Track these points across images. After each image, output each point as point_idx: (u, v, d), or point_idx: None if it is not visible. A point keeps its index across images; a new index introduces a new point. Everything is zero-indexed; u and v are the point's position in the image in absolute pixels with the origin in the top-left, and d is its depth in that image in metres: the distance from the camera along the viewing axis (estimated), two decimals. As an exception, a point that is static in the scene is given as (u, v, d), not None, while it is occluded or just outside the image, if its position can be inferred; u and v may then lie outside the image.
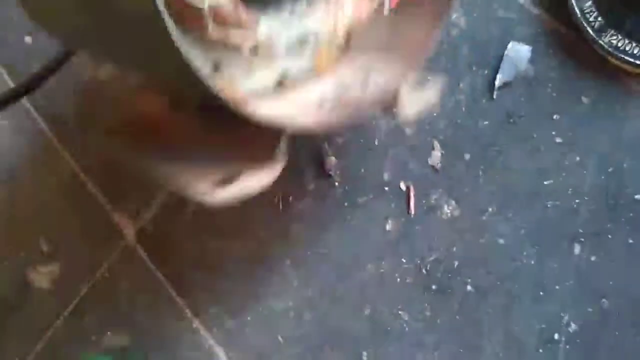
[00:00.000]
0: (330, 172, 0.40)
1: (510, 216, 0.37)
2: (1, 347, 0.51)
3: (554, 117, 0.37)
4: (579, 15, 0.35)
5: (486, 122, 0.38)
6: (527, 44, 0.38)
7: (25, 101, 0.52)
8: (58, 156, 0.52)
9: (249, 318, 0.43)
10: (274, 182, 0.43)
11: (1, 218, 0.53)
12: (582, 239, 0.36)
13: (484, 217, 0.38)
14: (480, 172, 0.38)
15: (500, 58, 0.38)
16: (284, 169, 0.42)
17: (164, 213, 0.48)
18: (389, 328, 0.39)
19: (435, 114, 0.40)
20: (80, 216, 0.50)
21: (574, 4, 0.35)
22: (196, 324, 0.44)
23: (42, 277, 0.51)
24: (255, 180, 0.28)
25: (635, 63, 0.34)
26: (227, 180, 0.28)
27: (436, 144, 0.39)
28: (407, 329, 0.39)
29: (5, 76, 0.53)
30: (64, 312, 0.50)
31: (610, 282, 0.35)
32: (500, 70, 0.38)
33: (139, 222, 0.48)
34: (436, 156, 0.39)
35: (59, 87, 0.52)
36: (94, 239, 0.50)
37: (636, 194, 0.35)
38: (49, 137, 0.52)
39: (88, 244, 0.50)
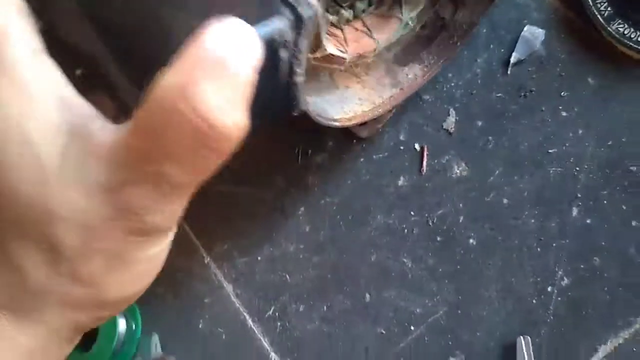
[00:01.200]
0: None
1: (515, 179, 0.44)
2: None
3: (562, 94, 0.44)
4: (591, 4, 0.44)
5: (499, 94, 0.46)
6: (541, 28, 0.45)
7: None
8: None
9: (259, 258, 0.49)
10: (295, 136, 0.50)
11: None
12: (580, 203, 0.42)
13: (490, 179, 0.45)
14: (490, 138, 0.45)
15: (516, 39, 0.46)
16: (306, 125, 0.50)
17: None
18: (393, 273, 0.45)
19: (453, 84, 0.47)
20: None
21: None
22: (207, 259, 0.50)
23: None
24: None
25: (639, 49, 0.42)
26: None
27: (451, 111, 0.46)
28: (410, 275, 0.45)
29: None
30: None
31: (603, 243, 0.41)
32: (516, 49, 0.46)
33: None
34: (450, 121, 0.46)
35: None
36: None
37: (631, 165, 0.42)
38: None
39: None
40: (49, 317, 0.23)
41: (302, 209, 0.51)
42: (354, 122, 0.42)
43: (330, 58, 0.37)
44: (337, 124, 0.40)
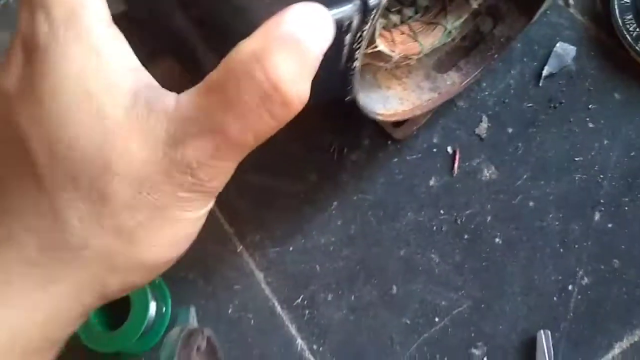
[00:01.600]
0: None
1: (542, 184, 0.48)
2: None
3: (589, 106, 0.49)
4: (620, 25, 0.49)
5: (530, 105, 0.50)
6: (573, 45, 0.50)
7: None
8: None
9: (290, 248, 0.53)
10: (331, 133, 0.55)
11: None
12: (602, 209, 0.47)
13: (518, 183, 0.49)
14: (520, 145, 0.50)
15: (548, 54, 0.51)
16: (343, 123, 0.54)
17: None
18: (420, 268, 0.49)
19: (487, 93, 0.51)
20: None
21: (617, 16, 0.48)
22: (240, 248, 0.54)
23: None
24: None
25: (664, 69, 0.47)
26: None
27: (484, 117, 0.51)
28: (436, 270, 0.49)
29: None
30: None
31: (622, 247, 0.46)
32: (548, 63, 0.51)
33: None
34: (483, 127, 0.51)
35: None
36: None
37: None
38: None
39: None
40: (81, 275, 0.24)
41: (335, 203, 0.55)
42: (394, 118, 0.47)
43: (378, 55, 0.42)
44: (380, 117, 0.44)
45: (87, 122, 0.23)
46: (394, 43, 0.45)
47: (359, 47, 0.33)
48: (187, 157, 0.23)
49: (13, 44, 0.25)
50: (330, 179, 0.57)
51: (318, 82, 0.30)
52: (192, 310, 0.47)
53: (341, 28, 0.31)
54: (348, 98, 0.37)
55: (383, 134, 0.56)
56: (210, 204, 0.28)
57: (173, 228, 0.26)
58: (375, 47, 0.41)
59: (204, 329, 0.44)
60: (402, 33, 0.46)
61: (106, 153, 0.23)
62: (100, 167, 0.23)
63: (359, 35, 0.32)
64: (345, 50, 0.32)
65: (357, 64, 0.34)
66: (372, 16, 0.30)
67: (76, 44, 0.23)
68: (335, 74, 0.34)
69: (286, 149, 0.59)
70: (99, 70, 0.23)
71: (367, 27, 0.31)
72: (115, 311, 0.58)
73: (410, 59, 0.46)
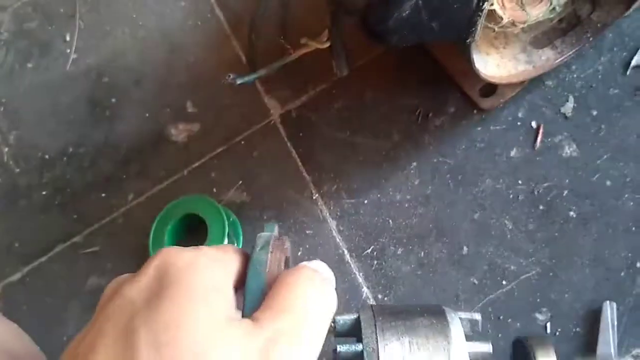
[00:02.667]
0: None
1: (620, 165, 0.55)
2: (122, 184, 0.65)
3: None
4: None
5: (616, 91, 0.57)
6: (664, 40, 0.57)
7: None
8: (226, 41, 0.69)
9: (365, 201, 0.59)
10: (419, 98, 0.62)
11: (157, 79, 0.70)
12: None
13: (598, 162, 0.56)
14: (603, 127, 0.56)
15: (638, 46, 0.58)
16: (431, 89, 0.61)
17: (310, 104, 0.66)
18: (492, 232, 0.56)
19: (575, 76, 0.58)
20: (231, 92, 0.66)
21: None
22: (316, 196, 0.61)
23: (180, 132, 0.67)
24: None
25: None
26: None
27: (571, 98, 0.58)
28: (508, 235, 0.55)
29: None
30: (193, 165, 0.65)
31: None
32: (638, 54, 0.57)
33: (286, 106, 0.65)
34: (568, 107, 0.57)
35: None
36: (239, 111, 0.67)
37: None
38: (221, 23, 0.70)
39: (232, 115, 0.67)
40: None
41: (415, 163, 0.62)
42: (492, 80, 0.53)
43: (491, 15, 0.49)
44: (481, 74, 0.51)
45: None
46: (505, 8, 0.51)
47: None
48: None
49: (148, 265, 0.31)
50: (412, 140, 0.64)
51: (452, 17, 0.38)
52: (276, 228, 0.54)
53: None
54: (469, 40, 0.44)
55: (469, 103, 0.62)
56: None
57: None
58: (492, 4, 0.48)
59: (285, 239, 0.50)
60: (512, 1, 0.53)
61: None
62: None
63: None
64: None
65: (486, 5, 0.41)
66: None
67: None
68: (468, 10, 0.41)
69: (374, 107, 0.66)
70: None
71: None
72: (191, 240, 0.65)
73: (515, 25, 0.53)
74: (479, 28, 0.44)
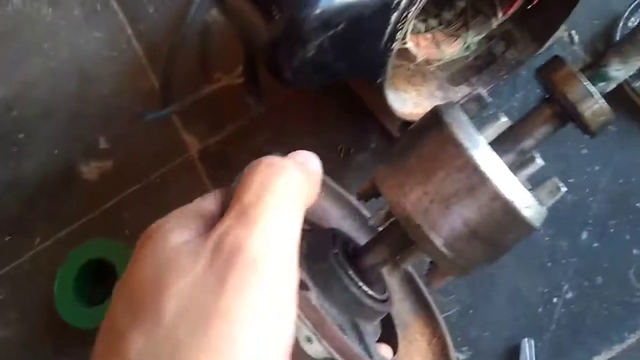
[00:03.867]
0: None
1: (535, 201, 0.55)
2: (29, 225, 0.62)
3: (585, 134, 0.56)
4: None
5: None
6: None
7: (122, 18, 0.69)
8: (143, 73, 0.67)
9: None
10: (341, 134, 0.61)
11: (69, 113, 0.67)
12: (590, 228, 0.54)
13: None
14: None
15: None
16: (352, 125, 0.60)
17: (230, 139, 0.64)
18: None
19: (491, 112, 0.59)
20: (146, 127, 0.64)
21: None
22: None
23: (92, 170, 0.65)
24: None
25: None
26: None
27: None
28: (428, 272, 0.54)
29: (114, 3, 0.70)
30: (105, 205, 0.63)
31: (606, 265, 0.53)
32: (550, 91, 0.58)
33: (205, 141, 0.64)
34: (484, 143, 0.57)
35: (161, 17, 0.68)
36: (155, 147, 0.65)
37: (637, 202, 0.54)
38: (138, 54, 0.68)
39: (147, 151, 0.65)
40: None
41: (335, 200, 0.61)
42: (409, 118, 0.53)
43: (405, 53, 0.49)
44: (397, 112, 0.51)
45: None
46: (419, 46, 0.52)
47: (402, 29, 0.39)
48: None
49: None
50: (335, 178, 0.63)
51: (360, 57, 0.37)
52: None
53: (391, 4, 0.38)
54: (379, 80, 0.43)
55: (390, 139, 0.62)
56: None
57: None
58: (405, 43, 0.48)
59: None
60: (427, 39, 0.53)
61: None
62: None
63: (404, 15, 0.38)
64: (390, 28, 0.39)
65: (396, 46, 0.41)
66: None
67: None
68: (376, 51, 0.41)
69: (295, 144, 0.64)
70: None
71: (413, 9, 0.38)
72: (96, 288, 0.62)
73: (430, 64, 0.53)
74: (389, 68, 0.43)
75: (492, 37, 0.59)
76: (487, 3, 0.56)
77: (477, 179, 0.32)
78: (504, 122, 0.35)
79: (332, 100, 0.64)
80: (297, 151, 0.34)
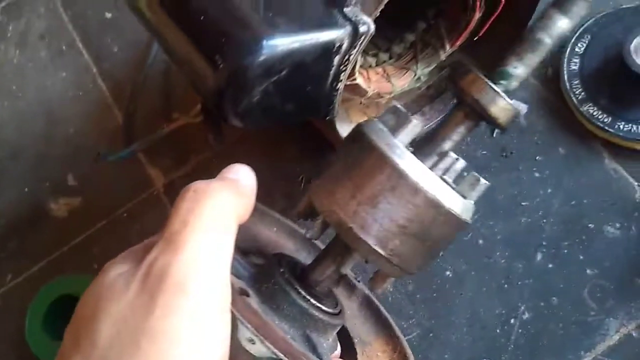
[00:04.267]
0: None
1: (491, 224, 0.58)
2: (0, 263, 0.64)
3: (537, 158, 0.59)
4: (568, 89, 0.60)
5: (484, 152, 0.60)
6: (524, 103, 0.60)
7: (88, 58, 0.71)
8: (108, 111, 0.69)
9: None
10: (301, 164, 0.63)
11: (36, 152, 0.69)
12: (544, 250, 0.56)
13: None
14: (474, 187, 0.58)
15: None
16: (312, 155, 0.62)
17: (194, 173, 0.66)
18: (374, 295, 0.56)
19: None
20: (112, 164, 0.66)
21: (565, 80, 0.59)
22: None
23: (60, 207, 0.66)
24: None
25: (604, 129, 0.57)
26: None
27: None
28: (390, 298, 0.56)
29: (79, 43, 0.72)
30: (74, 240, 0.64)
31: (561, 285, 0.55)
32: (502, 117, 0.60)
33: (169, 176, 0.65)
34: (441, 169, 0.59)
35: (125, 56, 0.71)
36: (121, 183, 0.67)
37: (589, 223, 0.56)
38: (104, 93, 0.70)
39: (114, 187, 0.66)
40: None
41: (303, 230, 0.62)
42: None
43: (356, 88, 0.51)
44: None
45: None
46: (370, 81, 0.54)
47: (345, 70, 0.41)
48: None
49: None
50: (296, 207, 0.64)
51: (306, 98, 0.39)
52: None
53: (332, 48, 0.40)
54: (328, 117, 0.45)
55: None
56: None
57: None
58: (354, 79, 0.50)
59: None
60: (377, 74, 0.55)
61: None
62: None
63: (346, 57, 0.40)
64: (333, 70, 0.41)
65: (341, 85, 0.42)
66: (360, 42, 0.39)
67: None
68: (322, 92, 0.42)
69: (259, 174, 0.66)
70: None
71: (355, 51, 0.40)
72: (67, 323, 0.63)
73: (382, 97, 0.55)
74: (336, 106, 0.45)
75: (443, 67, 0.62)
76: (435, 36, 0.58)
77: (397, 177, 0.35)
78: (415, 124, 0.38)
79: (293, 133, 0.66)
80: (229, 165, 0.37)
